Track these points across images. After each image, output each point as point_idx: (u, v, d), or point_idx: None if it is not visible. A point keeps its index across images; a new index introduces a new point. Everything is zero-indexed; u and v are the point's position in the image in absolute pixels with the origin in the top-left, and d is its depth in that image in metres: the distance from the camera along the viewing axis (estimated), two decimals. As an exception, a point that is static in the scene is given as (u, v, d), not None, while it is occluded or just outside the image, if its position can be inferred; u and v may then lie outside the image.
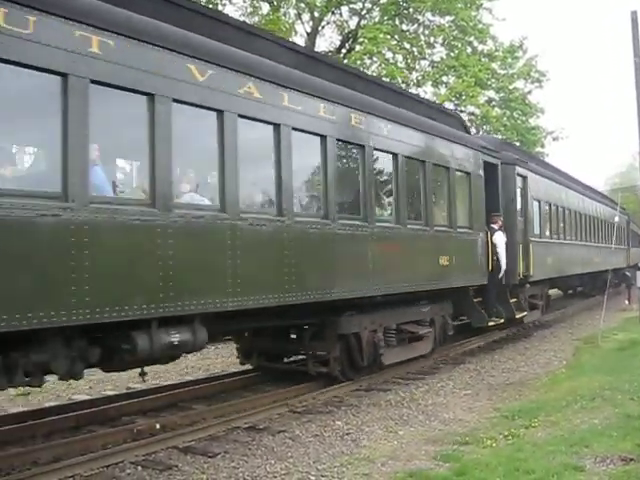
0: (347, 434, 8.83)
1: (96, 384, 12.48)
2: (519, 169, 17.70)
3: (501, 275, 15.70)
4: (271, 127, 9.31)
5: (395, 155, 12.03)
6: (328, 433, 8.88)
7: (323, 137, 10.27)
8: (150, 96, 7.58)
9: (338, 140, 10.66)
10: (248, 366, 12.69)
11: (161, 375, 13.39)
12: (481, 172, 15.34)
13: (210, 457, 7.80)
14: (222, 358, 15.43)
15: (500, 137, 26.87)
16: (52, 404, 10.64)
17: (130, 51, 7.38)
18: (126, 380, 12.74)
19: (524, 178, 18.09)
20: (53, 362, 7.04)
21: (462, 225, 14.39)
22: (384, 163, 11.96)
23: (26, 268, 6.32)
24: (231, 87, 8.65)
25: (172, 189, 7.90)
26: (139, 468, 7.44)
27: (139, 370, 8.74)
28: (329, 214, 10.26)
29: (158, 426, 8.82)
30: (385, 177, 12.22)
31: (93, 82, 6.96)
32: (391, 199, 12.22)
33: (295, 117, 9.64)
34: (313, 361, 11.56)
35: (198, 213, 8.18)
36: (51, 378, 11.91)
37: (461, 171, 14.48)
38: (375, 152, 11.47)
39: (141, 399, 10.41)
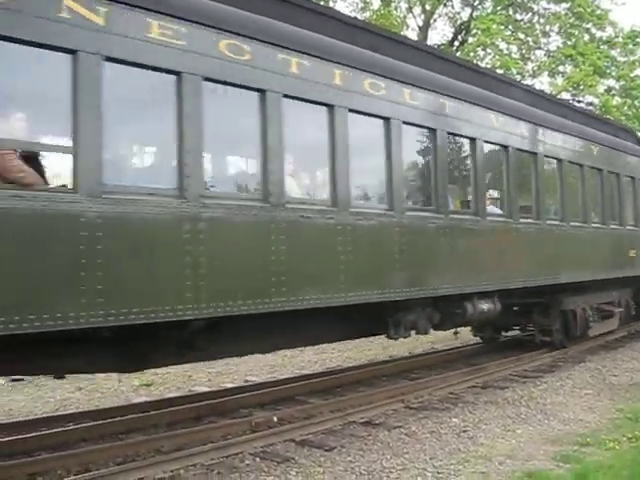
0: (464, 431, 8.73)
1: (215, 377, 12.79)
2: None
3: None
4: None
5: (600, 170, 15.04)
6: (444, 430, 8.79)
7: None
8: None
9: (570, 162, 13.79)
10: (364, 360, 14.01)
11: (277, 369, 13.62)
12: None
13: (326, 451, 7.85)
14: (338, 352, 15.55)
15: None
16: (173, 395, 10.98)
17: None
18: (243, 373, 13.03)
19: None
20: (417, 321, 10.21)
21: None
22: (593, 178, 14.83)
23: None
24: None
25: (485, 203, 11.12)
26: (257, 459, 7.57)
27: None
28: (565, 218, 13.38)
29: (275, 419, 8.96)
30: (592, 188, 14.82)
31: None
32: (597, 205, 15.15)
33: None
34: (537, 332, 14.69)
35: (498, 219, 11.45)
36: (172, 370, 12.43)
37: None
38: (590, 170, 14.53)
39: (259, 392, 10.60)
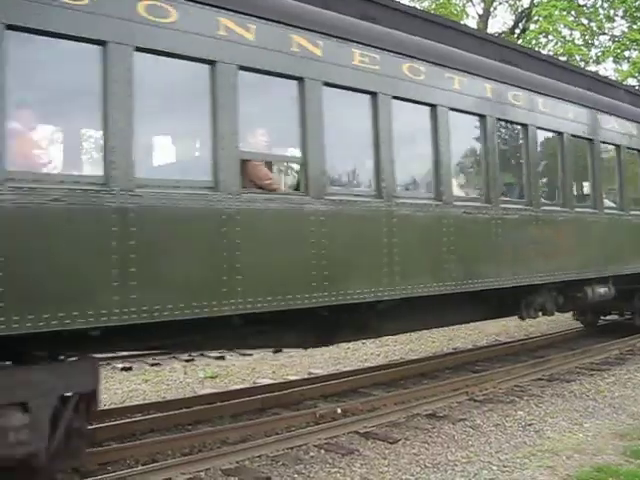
0: (529, 425, 8.62)
1: (278, 369, 12.87)
2: None
3: None
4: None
5: None
6: (510, 423, 8.70)
7: None
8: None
9: None
10: (428, 353, 14.15)
11: (341, 361, 13.65)
12: None
13: (391, 443, 7.84)
14: (400, 345, 15.50)
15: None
16: (238, 387, 11.11)
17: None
18: (307, 366, 13.09)
19: None
20: (545, 303, 11.38)
21: None
22: None
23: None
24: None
25: (602, 198, 12.27)
26: (322, 451, 7.60)
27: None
28: None
29: (339, 411, 8.99)
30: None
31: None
32: None
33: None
34: (638, 316, 15.42)
35: (612, 211, 12.55)
36: (236, 362, 12.55)
37: None
38: None
39: (322, 384, 10.66)
